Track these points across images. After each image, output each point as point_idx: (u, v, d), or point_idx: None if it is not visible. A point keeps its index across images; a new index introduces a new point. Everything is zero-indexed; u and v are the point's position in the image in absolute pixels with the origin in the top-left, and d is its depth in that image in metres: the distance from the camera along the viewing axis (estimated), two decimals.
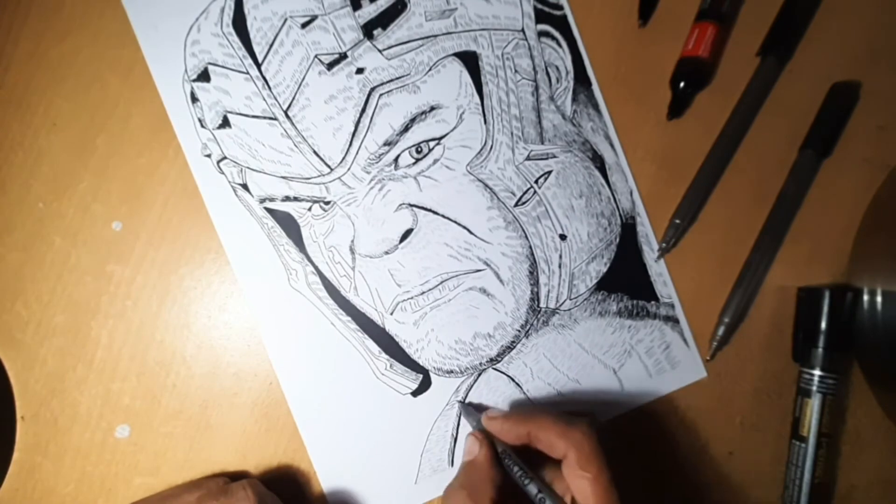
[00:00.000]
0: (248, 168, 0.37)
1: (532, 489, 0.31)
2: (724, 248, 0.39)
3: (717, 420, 0.38)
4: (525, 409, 0.38)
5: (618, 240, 0.39)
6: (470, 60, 0.38)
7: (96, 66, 0.38)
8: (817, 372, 0.36)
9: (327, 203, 0.37)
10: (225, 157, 0.37)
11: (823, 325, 0.36)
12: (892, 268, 0.36)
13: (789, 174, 0.38)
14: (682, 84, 0.38)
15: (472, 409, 0.37)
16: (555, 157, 0.38)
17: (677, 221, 0.38)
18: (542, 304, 0.38)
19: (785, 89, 0.39)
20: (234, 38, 0.37)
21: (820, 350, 0.36)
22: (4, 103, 0.37)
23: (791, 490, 0.36)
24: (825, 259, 0.39)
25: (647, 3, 0.39)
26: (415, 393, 0.38)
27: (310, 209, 0.37)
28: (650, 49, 0.39)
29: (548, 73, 0.39)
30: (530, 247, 0.38)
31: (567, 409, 0.37)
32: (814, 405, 0.36)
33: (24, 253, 0.37)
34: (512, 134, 0.38)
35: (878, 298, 0.36)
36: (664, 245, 0.38)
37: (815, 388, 0.36)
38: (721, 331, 0.38)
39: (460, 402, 0.38)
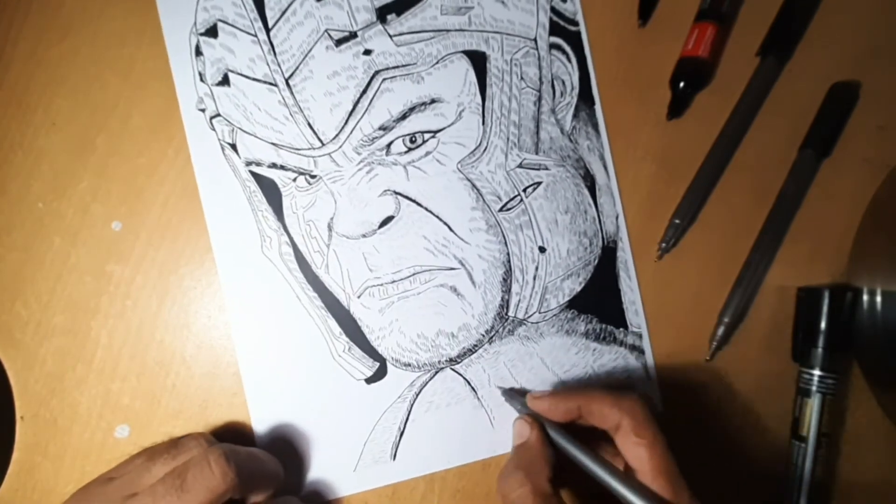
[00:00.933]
0: (239, 129, 0.37)
1: (586, 461, 0.31)
2: (724, 248, 0.39)
3: (717, 420, 0.38)
4: (571, 386, 0.38)
5: (596, 261, 0.38)
6: (478, 60, 0.38)
7: (96, 66, 0.38)
8: (817, 372, 0.36)
9: (313, 177, 0.37)
10: (219, 115, 0.37)
11: (823, 324, 0.36)
12: (891, 268, 0.36)
13: (789, 174, 0.38)
14: (681, 84, 0.38)
15: (516, 394, 0.37)
16: (547, 169, 0.38)
17: (677, 221, 0.38)
18: (511, 313, 0.38)
19: (785, 89, 0.39)
20: (248, 0, 0.37)
21: (819, 350, 0.36)
22: (4, 103, 0.37)
23: (791, 490, 0.36)
24: (825, 259, 0.39)
25: (646, 3, 0.39)
26: (369, 380, 0.37)
27: (294, 180, 0.37)
28: (650, 49, 0.39)
29: (553, 86, 0.39)
30: (508, 254, 0.38)
31: None
32: (814, 405, 0.36)
33: (23, 253, 0.37)
34: (508, 139, 0.38)
35: (878, 298, 0.36)
36: (664, 245, 0.38)
37: (814, 387, 0.36)
38: (721, 331, 0.38)
39: (501, 387, 0.38)
